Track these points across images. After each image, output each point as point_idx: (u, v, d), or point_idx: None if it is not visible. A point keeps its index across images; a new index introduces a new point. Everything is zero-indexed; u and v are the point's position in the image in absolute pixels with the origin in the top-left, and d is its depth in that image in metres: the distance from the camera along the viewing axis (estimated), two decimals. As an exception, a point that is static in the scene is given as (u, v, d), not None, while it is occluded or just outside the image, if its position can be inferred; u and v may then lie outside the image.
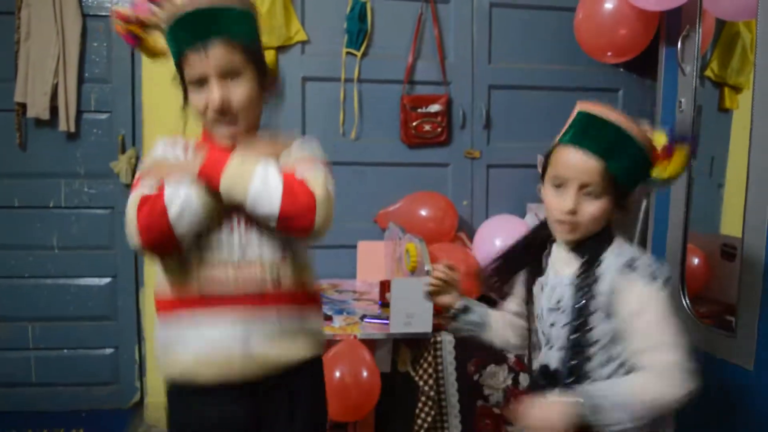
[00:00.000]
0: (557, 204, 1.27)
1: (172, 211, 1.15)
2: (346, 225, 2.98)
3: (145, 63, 2.82)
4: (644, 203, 2.47)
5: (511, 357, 2.28)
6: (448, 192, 3.02)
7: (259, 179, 1.17)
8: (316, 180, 1.23)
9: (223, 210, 1.24)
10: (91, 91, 2.85)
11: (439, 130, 2.98)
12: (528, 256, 1.45)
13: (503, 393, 2.31)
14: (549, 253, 1.40)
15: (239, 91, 1.24)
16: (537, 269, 1.42)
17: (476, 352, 2.28)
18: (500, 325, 1.56)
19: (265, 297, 1.27)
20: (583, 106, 1.29)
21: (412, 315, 2.19)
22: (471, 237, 2.88)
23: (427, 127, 2.96)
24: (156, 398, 2.90)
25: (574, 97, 1.55)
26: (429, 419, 2.25)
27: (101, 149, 2.87)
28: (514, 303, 1.53)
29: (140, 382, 2.98)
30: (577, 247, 1.31)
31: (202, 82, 1.23)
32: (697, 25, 2.28)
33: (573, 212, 1.25)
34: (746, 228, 1.90)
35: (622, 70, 3.08)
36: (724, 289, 2.21)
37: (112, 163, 2.84)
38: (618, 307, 1.24)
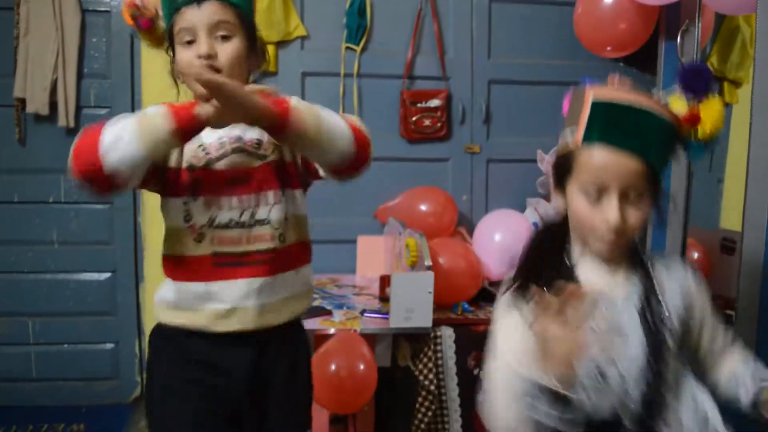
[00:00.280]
0: (599, 218, 1.07)
1: (104, 141, 1.09)
2: (346, 220, 2.99)
3: (145, 58, 2.82)
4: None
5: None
6: (448, 187, 3.02)
7: (328, 115, 1.21)
8: (355, 119, 1.30)
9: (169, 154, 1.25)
10: (91, 87, 2.85)
11: (439, 125, 2.98)
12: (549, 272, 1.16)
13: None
14: (571, 266, 1.17)
15: (227, 50, 1.25)
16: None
17: (476, 346, 2.28)
18: None
19: (273, 255, 1.32)
20: (597, 93, 1.07)
21: (411, 310, 2.19)
22: (471, 232, 2.88)
23: (426, 122, 2.96)
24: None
25: (573, 91, 1.54)
26: (429, 413, 2.26)
27: (101, 144, 2.87)
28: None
29: (140, 377, 2.98)
30: (613, 258, 1.14)
31: (190, 39, 1.24)
32: (697, 20, 2.28)
33: (621, 226, 1.06)
34: (746, 222, 1.90)
35: (621, 64, 3.07)
36: (724, 284, 2.21)
37: (112, 158, 2.84)
38: (693, 312, 1.19)
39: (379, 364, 2.21)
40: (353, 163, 1.25)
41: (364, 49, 2.95)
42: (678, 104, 1.07)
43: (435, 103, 2.96)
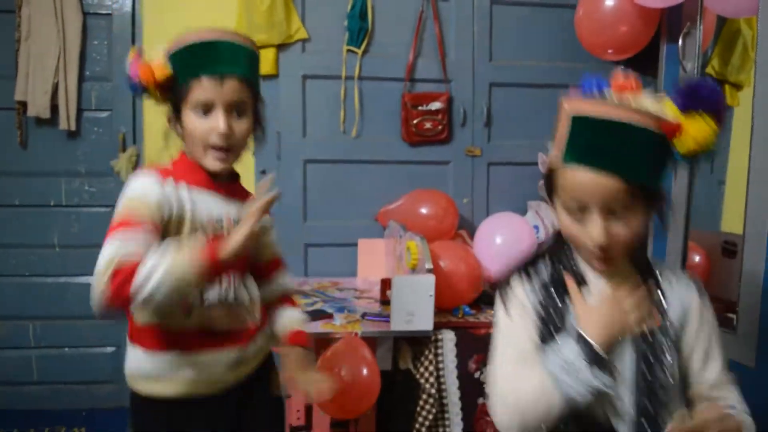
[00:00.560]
0: (584, 235, 1.06)
1: (143, 293, 1.14)
2: (347, 223, 2.99)
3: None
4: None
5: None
6: (449, 190, 3.02)
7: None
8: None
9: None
10: (92, 90, 2.85)
11: (440, 127, 2.98)
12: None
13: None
14: (579, 280, 1.15)
15: (242, 127, 1.33)
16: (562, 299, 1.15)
17: (477, 349, 2.28)
18: None
19: (248, 328, 1.43)
20: (574, 107, 1.05)
21: (412, 313, 2.19)
22: (472, 235, 2.88)
23: (427, 125, 2.96)
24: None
25: (574, 94, 1.54)
26: (430, 417, 2.25)
27: (102, 148, 2.87)
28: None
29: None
30: (608, 270, 1.12)
31: (207, 109, 1.29)
32: (698, 22, 2.27)
33: (606, 243, 1.04)
34: (747, 225, 1.90)
35: (622, 67, 3.06)
36: (725, 287, 2.21)
37: (113, 161, 2.84)
38: (687, 328, 1.13)
39: (380, 367, 2.20)
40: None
41: (365, 52, 2.95)
42: (670, 108, 1.03)
43: (436, 105, 2.96)
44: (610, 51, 2.67)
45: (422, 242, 2.30)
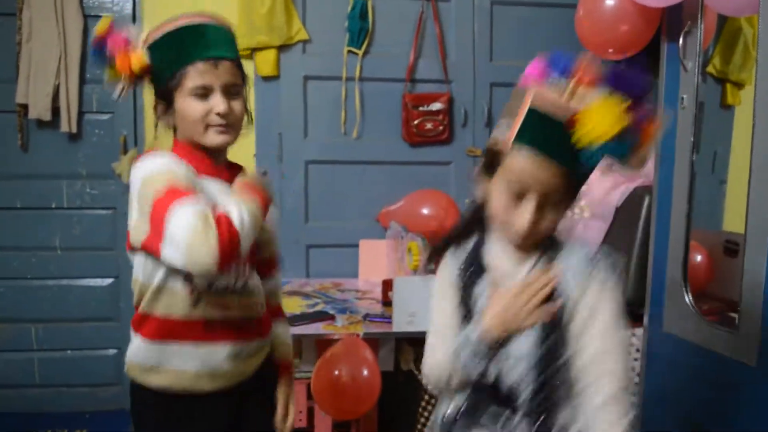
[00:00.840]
0: (512, 218, 1.10)
1: (244, 231, 1.18)
2: (348, 224, 2.99)
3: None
4: (646, 200, 2.46)
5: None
6: (450, 190, 3.02)
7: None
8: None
9: None
10: (93, 92, 2.86)
11: (441, 128, 2.98)
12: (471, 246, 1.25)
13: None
14: (483, 245, 1.23)
15: (238, 107, 1.34)
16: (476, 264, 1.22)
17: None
18: None
19: (256, 319, 1.43)
20: (535, 99, 1.07)
21: (414, 314, 2.19)
22: (473, 235, 2.88)
23: (428, 126, 2.96)
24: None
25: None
26: (432, 417, 2.25)
27: (103, 150, 2.88)
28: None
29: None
30: (525, 247, 1.16)
31: (205, 93, 1.29)
32: (699, 21, 2.27)
33: (530, 232, 1.09)
34: (749, 224, 1.89)
35: (623, 66, 3.06)
36: (727, 286, 2.20)
37: (114, 163, 2.85)
38: (579, 308, 1.11)
39: (382, 368, 2.20)
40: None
41: (366, 53, 2.95)
42: (609, 104, 1.04)
43: (437, 106, 2.96)
44: (610, 50, 2.66)
45: (424, 243, 2.30)
